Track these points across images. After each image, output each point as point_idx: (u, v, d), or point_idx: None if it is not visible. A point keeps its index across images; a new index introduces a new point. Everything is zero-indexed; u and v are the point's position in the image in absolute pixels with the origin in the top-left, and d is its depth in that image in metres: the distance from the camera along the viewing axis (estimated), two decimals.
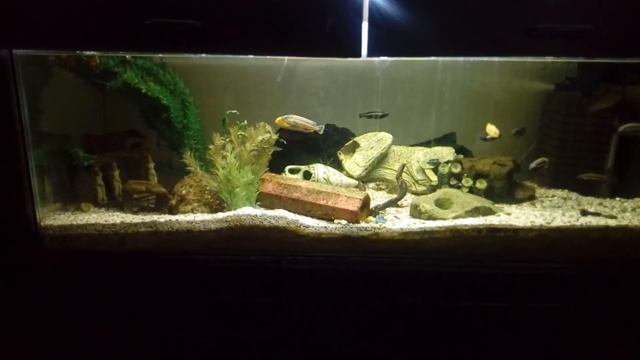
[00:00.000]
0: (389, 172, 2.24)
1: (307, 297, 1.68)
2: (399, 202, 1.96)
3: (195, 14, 1.44)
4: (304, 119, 1.96)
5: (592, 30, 1.43)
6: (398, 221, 1.78)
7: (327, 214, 1.77)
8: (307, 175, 2.08)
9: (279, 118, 1.94)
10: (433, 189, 2.10)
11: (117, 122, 2.16)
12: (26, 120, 1.60)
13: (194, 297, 1.69)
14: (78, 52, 1.73)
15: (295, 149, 2.19)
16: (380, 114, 2.16)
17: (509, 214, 1.83)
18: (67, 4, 1.45)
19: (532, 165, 2.01)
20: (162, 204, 1.88)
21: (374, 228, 1.69)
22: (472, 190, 2.01)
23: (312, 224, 1.72)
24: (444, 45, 1.52)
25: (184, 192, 1.88)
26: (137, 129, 2.09)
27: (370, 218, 1.79)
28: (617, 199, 1.98)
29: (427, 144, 2.30)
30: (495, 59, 1.93)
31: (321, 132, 2.00)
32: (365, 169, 2.21)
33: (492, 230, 1.68)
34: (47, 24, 1.48)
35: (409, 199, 2.02)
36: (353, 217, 1.73)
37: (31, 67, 1.66)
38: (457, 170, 2.06)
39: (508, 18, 1.46)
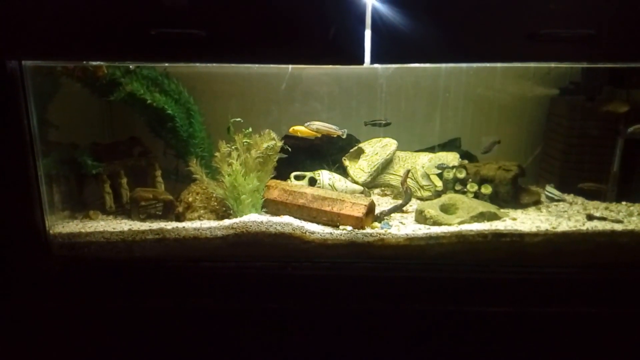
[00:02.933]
0: (393, 178, 2.24)
1: (313, 303, 1.68)
2: (404, 208, 1.96)
3: (200, 24, 1.46)
4: (327, 124, 2.03)
5: (594, 35, 1.43)
6: (403, 227, 1.78)
7: (333, 220, 1.77)
8: (313, 182, 2.09)
9: (298, 127, 2.02)
10: (438, 194, 2.10)
11: (124, 131, 2.18)
12: (35, 130, 1.62)
13: (201, 303, 1.70)
14: (85, 62, 1.75)
15: (301, 155, 2.20)
16: (384, 122, 2.18)
17: (514, 219, 1.83)
18: (74, 15, 1.47)
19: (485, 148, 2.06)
20: (169, 211, 1.90)
21: (379, 234, 1.69)
22: (477, 195, 2.01)
23: (317, 230, 1.72)
24: (446, 51, 1.52)
25: (190, 199, 1.90)
26: (137, 137, 2.10)
27: (376, 224, 1.79)
28: (624, 203, 1.97)
29: (432, 149, 2.30)
30: (498, 64, 1.93)
31: (344, 137, 2.10)
32: (370, 175, 2.22)
33: (498, 235, 1.68)
34: (55, 35, 1.50)
35: (414, 204, 2.02)
36: (358, 223, 1.73)
37: (40, 77, 1.68)
38: (462, 175, 2.06)
39: (510, 24, 1.46)
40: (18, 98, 1.56)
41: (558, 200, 2.02)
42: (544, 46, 1.46)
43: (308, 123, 2.01)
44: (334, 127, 2.05)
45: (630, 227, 1.71)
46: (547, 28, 1.43)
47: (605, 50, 1.47)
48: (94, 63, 1.77)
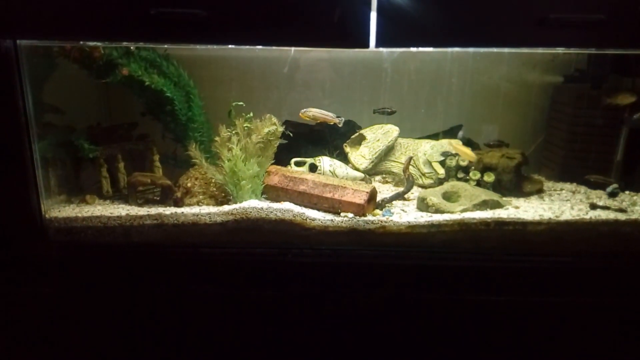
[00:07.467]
0: (395, 165, 2.22)
1: (313, 290, 1.67)
2: (406, 195, 1.94)
3: (201, 3, 1.42)
4: (324, 111, 1.97)
5: (604, 21, 1.40)
6: (405, 214, 1.77)
7: (334, 206, 1.75)
8: (313, 168, 2.06)
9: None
10: (440, 182, 2.08)
11: (122, 114, 2.14)
12: (31, 112, 1.58)
13: (200, 289, 1.68)
14: (83, 42, 1.71)
15: (301, 141, 2.17)
16: (389, 110, 2.15)
17: (517, 207, 1.81)
18: None
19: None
20: (167, 197, 1.87)
21: (381, 221, 1.67)
22: (479, 183, 1.99)
23: (318, 216, 1.71)
24: (453, 35, 1.49)
25: (189, 184, 1.87)
26: (135, 122, 2.07)
27: (377, 211, 1.78)
28: (627, 192, 1.96)
29: (435, 136, 2.28)
30: (505, 50, 1.90)
31: (341, 125, 2.03)
32: (372, 162, 2.19)
33: (500, 223, 1.66)
34: (51, 14, 1.46)
35: (415, 192, 2.00)
36: (360, 210, 1.71)
37: (36, 58, 1.64)
38: (464, 163, 2.04)
39: (520, 8, 1.43)
40: (13, 79, 1.53)
41: (613, 194, 1.86)
42: (554, 31, 1.43)
43: (304, 110, 1.96)
44: (330, 114, 1.99)
45: (634, 216, 1.70)
46: (557, 13, 1.40)
47: (616, 36, 1.44)
48: (91, 43, 1.73)
